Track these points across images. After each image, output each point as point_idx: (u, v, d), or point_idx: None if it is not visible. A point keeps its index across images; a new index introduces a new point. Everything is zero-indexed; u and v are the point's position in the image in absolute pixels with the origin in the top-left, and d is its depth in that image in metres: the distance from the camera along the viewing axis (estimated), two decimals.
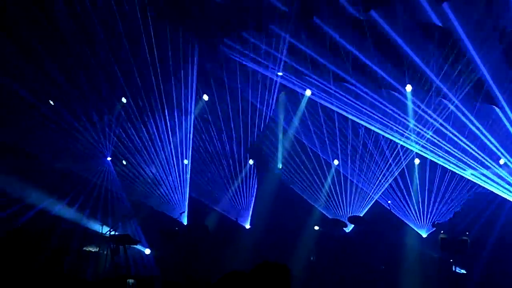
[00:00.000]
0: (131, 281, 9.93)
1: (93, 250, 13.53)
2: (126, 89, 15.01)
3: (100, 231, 13.74)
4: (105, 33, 13.45)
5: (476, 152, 13.52)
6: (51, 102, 15.42)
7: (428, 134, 13.92)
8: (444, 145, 13.79)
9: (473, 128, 13.20)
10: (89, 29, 13.30)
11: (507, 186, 13.45)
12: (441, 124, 13.68)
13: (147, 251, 15.03)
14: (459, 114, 13.20)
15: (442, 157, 13.97)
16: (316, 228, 14.64)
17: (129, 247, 13.41)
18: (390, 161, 15.37)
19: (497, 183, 13.50)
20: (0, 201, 13.96)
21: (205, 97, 15.72)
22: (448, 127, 13.52)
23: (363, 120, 14.40)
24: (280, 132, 16.08)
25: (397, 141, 14.52)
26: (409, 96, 13.95)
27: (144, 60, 14.15)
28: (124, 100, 15.56)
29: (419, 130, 14.04)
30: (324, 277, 13.86)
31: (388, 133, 14.38)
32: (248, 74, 14.62)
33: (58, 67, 14.08)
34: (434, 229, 14.57)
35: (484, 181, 13.60)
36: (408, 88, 13.76)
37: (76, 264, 12.70)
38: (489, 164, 13.50)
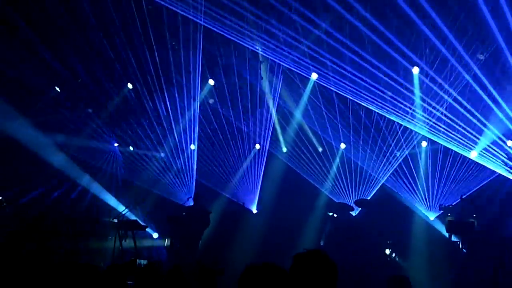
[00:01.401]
0: (142, 261, 9.99)
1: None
2: (131, 75, 14.99)
3: (109, 218, 13.83)
4: (109, 18, 13.39)
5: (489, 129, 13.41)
6: (57, 89, 15.45)
7: (438, 112, 13.83)
8: (454, 123, 13.69)
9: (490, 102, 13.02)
10: (93, 14, 13.26)
11: None
12: (450, 105, 13.61)
13: (155, 235, 15.12)
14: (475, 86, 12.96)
15: (447, 138, 13.90)
16: (334, 215, 14.58)
17: (137, 232, 13.50)
18: (402, 143, 15.31)
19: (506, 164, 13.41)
20: None
21: (211, 82, 15.66)
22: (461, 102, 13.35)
23: (371, 102, 14.30)
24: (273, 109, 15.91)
25: (404, 124, 14.45)
26: (416, 78, 13.84)
27: (148, 46, 14.10)
28: (130, 85, 15.56)
29: (430, 109, 13.96)
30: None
31: (396, 114, 14.30)
32: (253, 57, 14.52)
33: (63, 54, 14.08)
34: (441, 211, 14.54)
35: (492, 162, 13.50)
36: (415, 70, 13.65)
37: (84, 251, 12.80)
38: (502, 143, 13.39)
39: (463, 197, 13.51)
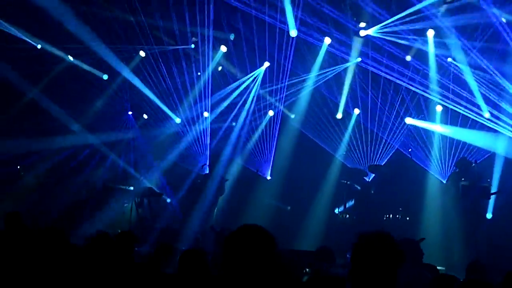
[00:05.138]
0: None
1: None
2: (143, 42, 14.94)
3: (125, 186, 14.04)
4: None
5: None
6: (70, 58, 15.46)
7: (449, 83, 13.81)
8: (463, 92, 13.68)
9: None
10: None
11: None
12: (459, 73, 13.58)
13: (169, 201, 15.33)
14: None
15: (461, 105, 13.83)
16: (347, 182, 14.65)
17: (153, 199, 13.73)
18: (410, 109, 15.26)
19: None
20: None
21: (223, 49, 15.55)
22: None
23: (383, 72, 14.27)
24: None
25: (417, 91, 14.38)
26: (431, 41, 13.69)
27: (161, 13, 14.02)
28: (142, 53, 15.50)
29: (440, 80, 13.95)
30: (346, 228, 14.02)
31: (409, 84, 14.27)
32: (264, 26, 14.34)
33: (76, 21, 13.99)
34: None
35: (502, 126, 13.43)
36: (430, 33, 13.50)
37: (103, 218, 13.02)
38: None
39: (477, 162, 13.48)
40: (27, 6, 13.03)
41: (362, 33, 13.70)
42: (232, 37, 15.14)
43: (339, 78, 15.49)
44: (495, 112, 13.45)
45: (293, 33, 13.81)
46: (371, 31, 13.59)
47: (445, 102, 14.16)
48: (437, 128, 15.04)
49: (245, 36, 14.79)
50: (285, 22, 13.62)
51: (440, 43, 13.57)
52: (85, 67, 15.37)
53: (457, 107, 13.93)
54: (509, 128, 13.28)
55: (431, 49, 13.78)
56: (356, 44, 14.24)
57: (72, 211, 13.07)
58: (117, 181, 14.79)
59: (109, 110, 16.55)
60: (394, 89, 15.00)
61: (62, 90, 15.44)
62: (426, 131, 15.32)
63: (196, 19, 14.07)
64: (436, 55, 13.84)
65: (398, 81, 14.43)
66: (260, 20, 13.85)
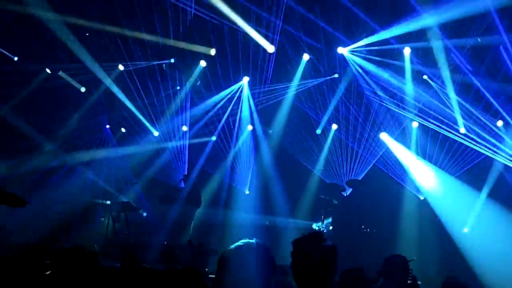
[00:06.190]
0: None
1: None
2: (121, 57, 14.87)
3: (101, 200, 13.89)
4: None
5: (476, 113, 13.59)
6: (48, 71, 15.33)
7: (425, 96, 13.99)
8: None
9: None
10: None
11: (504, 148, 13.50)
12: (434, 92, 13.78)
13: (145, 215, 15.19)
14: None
15: (436, 121, 14.03)
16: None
17: (130, 213, 13.57)
18: (391, 124, 15.43)
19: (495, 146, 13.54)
20: None
21: (202, 64, 15.53)
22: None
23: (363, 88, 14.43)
24: None
25: (394, 109, 14.55)
26: (407, 59, 13.88)
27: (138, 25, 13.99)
28: (121, 67, 15.41)
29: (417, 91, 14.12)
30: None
31: (386, 101, 14.43)
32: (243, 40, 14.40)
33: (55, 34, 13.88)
34: None
35: (480, 146, 13.64)
36: (407, 51, 13.69)
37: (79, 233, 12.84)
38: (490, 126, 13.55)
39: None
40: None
41: (340, 50, 13.87)
42: (213, 52, 15.11)
43: (319, 94, 15.57)
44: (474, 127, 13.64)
45: (270, 49, 13.88)
46: (346, 50, 13.80)
47: (421, 119, 14.35)
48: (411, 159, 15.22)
49: (225, 50, 14.81)
50: (266, 36, 13.68)
51: (421, 58, 13.76)
52: (63, 75, 15.24)
53: (433, 123, 14.12)
54: (486, 146, 13.50)
55: (407, 65, 13.98)
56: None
57: (50, 228, 12.86)
58: (94, 196, 14.62)
59: (86, 125, 16.41)
60: (371, 104, 15.15)
61: (38, 105, 15.28)
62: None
63: (176, 33, 14.06)
64: (414, 70, 14.04)
65: (373, 98, 14.60)
66: (239, 34, 13.91)
